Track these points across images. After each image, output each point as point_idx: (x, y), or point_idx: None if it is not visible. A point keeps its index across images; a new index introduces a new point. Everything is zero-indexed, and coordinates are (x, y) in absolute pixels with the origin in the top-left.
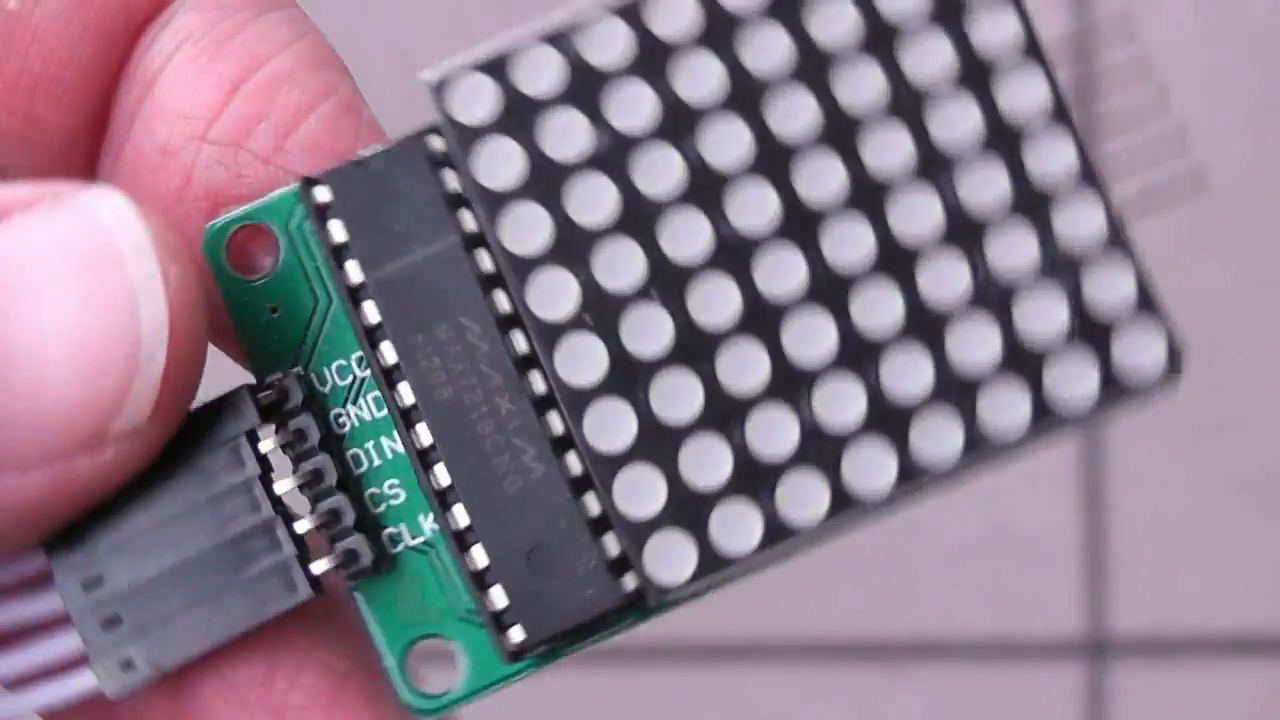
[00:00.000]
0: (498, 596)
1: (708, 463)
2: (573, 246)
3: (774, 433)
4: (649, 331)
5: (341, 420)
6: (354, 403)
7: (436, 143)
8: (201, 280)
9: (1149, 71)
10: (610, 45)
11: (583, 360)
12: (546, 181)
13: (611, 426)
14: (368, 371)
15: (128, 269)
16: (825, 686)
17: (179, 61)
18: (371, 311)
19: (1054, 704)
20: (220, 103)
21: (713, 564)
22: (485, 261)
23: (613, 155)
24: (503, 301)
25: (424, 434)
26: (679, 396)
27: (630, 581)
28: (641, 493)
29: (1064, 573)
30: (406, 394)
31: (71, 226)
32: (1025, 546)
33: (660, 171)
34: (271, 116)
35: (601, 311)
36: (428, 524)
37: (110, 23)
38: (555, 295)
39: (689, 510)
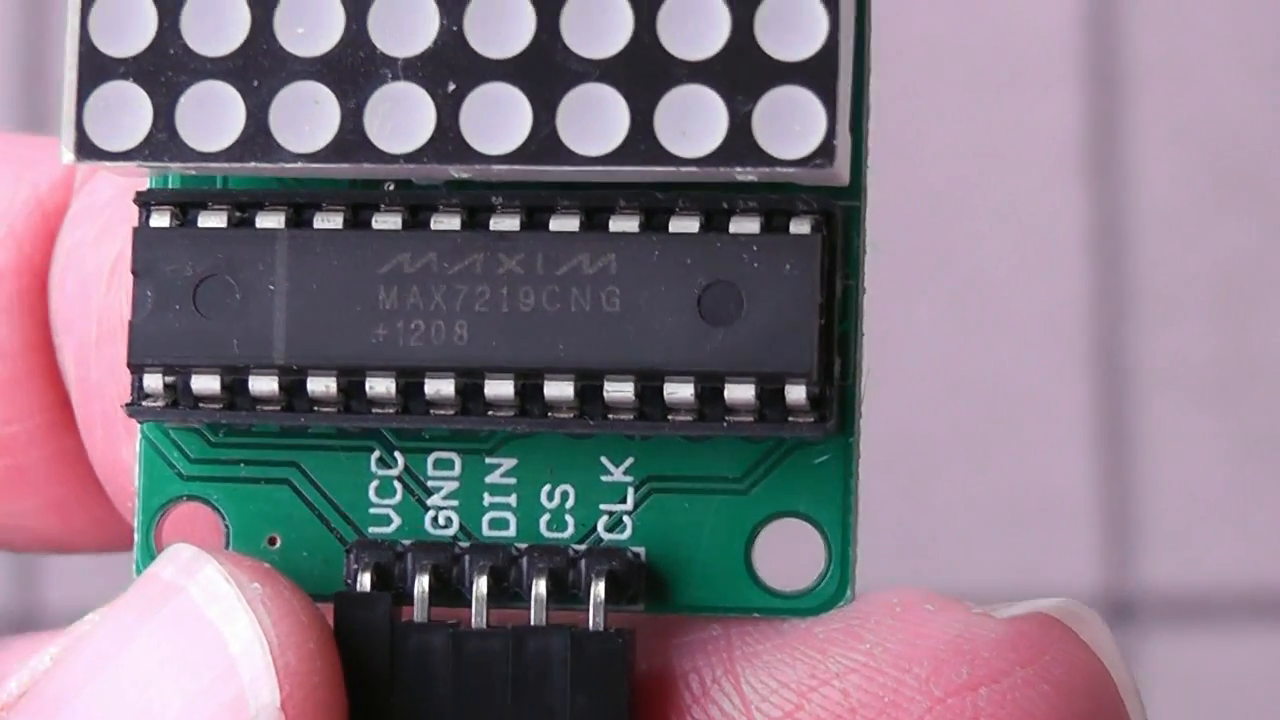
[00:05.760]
0: (739, 391)
1: None
2: None
3: None
4: None
5: (444, 519)
6: (427, 493)
7: (158, 218)
8: (306, 615)
9: None
10: None
11: None
12: None
13: None
14: (400, 459)
15: (206, 615)
16: None
17: (69, 281)
18: (323, 385)
19: None
20: (103, 297)
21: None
22: (328, 219)
23: None
24: (387, 219)
25: (502, 390)
26: None
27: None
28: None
29: (1084, 531)
30: (444, 389)
31: (139, 606)
32: (1045, 504)
33: None
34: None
35: None
36: (617, 474)
37: (15, 287)
38: None
39: None
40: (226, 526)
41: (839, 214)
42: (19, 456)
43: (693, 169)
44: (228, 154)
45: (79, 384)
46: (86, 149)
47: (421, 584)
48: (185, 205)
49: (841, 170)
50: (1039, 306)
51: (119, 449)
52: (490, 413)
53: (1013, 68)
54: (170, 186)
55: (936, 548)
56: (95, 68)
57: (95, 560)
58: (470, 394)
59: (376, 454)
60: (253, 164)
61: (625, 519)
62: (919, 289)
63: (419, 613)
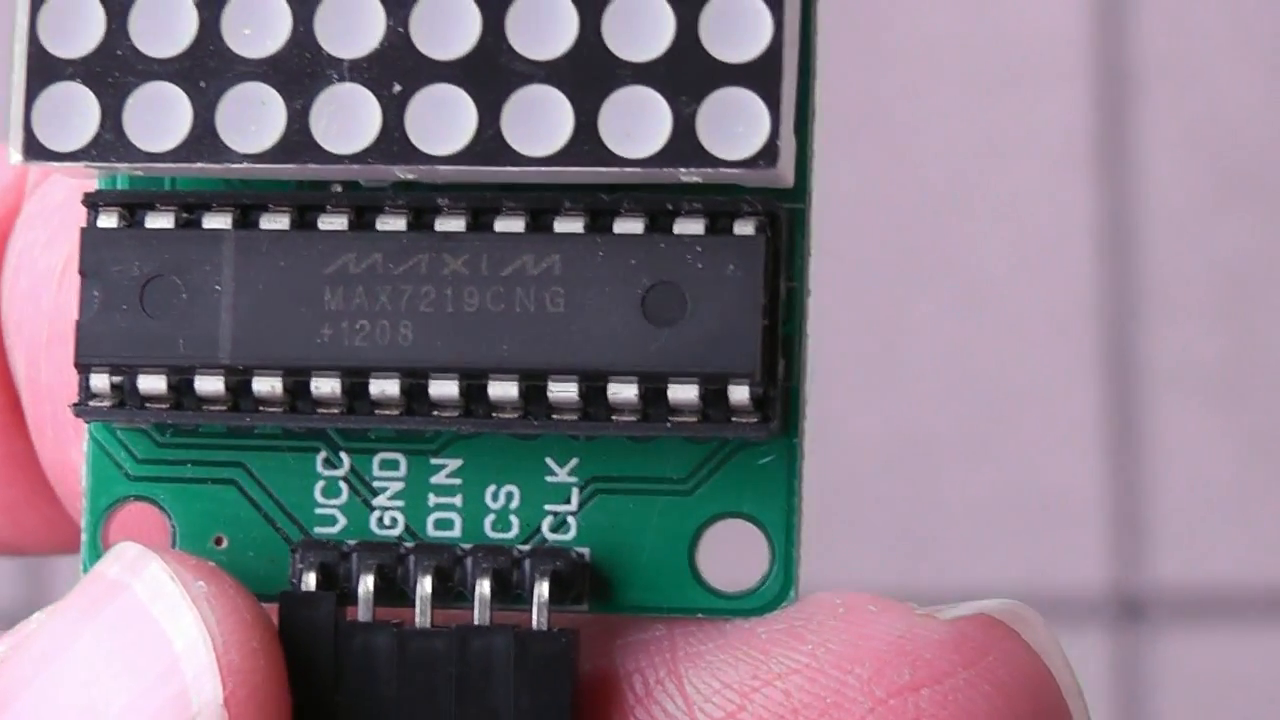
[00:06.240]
0: (683, 392)
1: None
2: None
3: None
4: None
5: (390, 519)
6: (373, 494)
7: (106, 219)
8: (251, 614)
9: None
10: None
11: None
12: None
13: None
14: (345, 460)
15: (151, 612)
16: None
17: (20, 284)
18: (269, 386)
19: (1082, 663)
20: (54, 299)
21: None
22: (274, 220)
23: None
24: (333, 221)
25: (447, 390)
26: None
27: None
28: None
29: (1093, 530)
30: (389, 389)
31: (84, 603)
32: (1053, 503)
33: None
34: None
35: None
36: (562, 475)
37: None
38: None
39: None
40: (173, 526)
41: (783, 216)
42: None
43: (637, 170)
44: (174, 154)
45: (29, 385)
46: (35, 150)
47: (366, 584)
48: (133, 206)
49: (785, 172)
50: (1046, 305)
51: (69, 451)
52: (435, 413)
53: (1020, 66)
54: (118, 188)
55: (944, 547)
56: (43, 68)
57: None
58: (415, 394)
59: (322, 454)
60: (199, 164)
61: (570, 519)
62: (926, 287)
63: (363, 612)
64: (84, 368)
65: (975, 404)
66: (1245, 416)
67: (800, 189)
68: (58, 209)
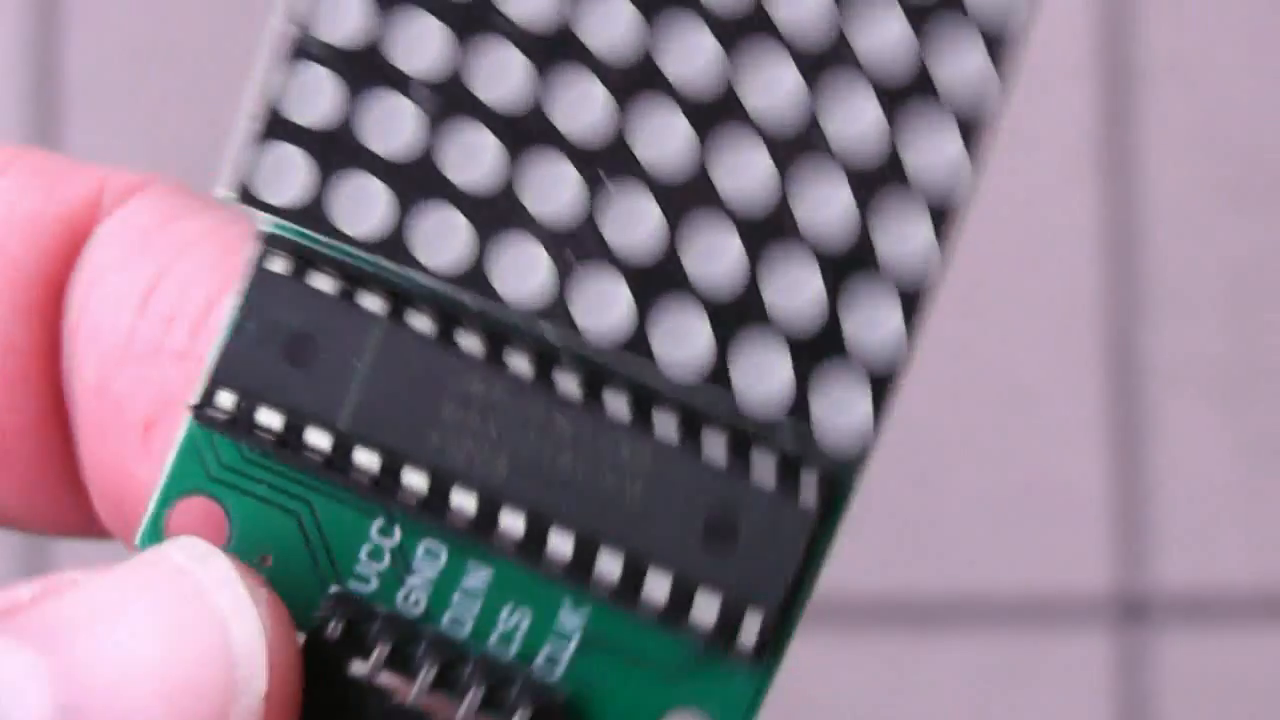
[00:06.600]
0: (705, 608)
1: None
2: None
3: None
4: None
5: (414, 599)
6: (409, 572)
7: (275, 263)
8: (294, 632)
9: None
10: None
11: None
12: None
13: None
14: (397, 534)
15: (212, 599)
16: (842, 649)
17: (95, 297)
18: (367, 459)
19: (1084, 665)
20: (135, 318)
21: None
22: (423, 322)
23: None
24: (473, 344)
25: (513, 524)
26: None
27: (810, 488)
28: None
29: (1096, 530)
30: (466, 503)
31: (146, 575)
32: (1056, 502)
33: None
34: (184, 313)
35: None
36: (571, 620)
37: (36, 294)
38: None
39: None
40: (230, 532)
41: (841, 481)
42: (10, 443)
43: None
44: (366, 245)
45: (98, 391)
46: (245, 195)
47: (381, 651)
48: (300, 259)
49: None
50: (1051, 304)
51: (124, 459)
52: (494, 539)
53: (1026, 63)
54: (288, 236)
55: (945, 546)
56: (274, 125)
57: (100, 550)
58: (485, 514)
59: (379, 522)
60: (385, 262)
61: (562, 659)
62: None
63: (372, 673)
64: (216, 383)
65: (978, 402)
66: (1250, 416)
67: (860, 457)
68: (140, 234)
